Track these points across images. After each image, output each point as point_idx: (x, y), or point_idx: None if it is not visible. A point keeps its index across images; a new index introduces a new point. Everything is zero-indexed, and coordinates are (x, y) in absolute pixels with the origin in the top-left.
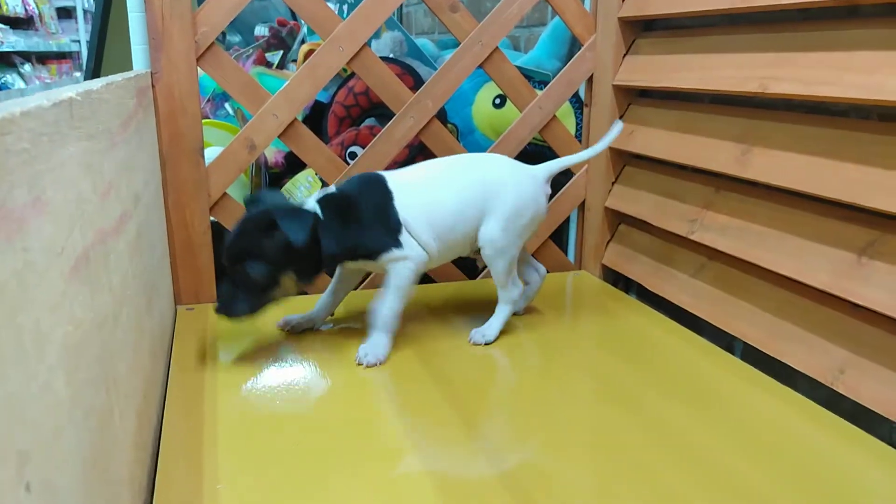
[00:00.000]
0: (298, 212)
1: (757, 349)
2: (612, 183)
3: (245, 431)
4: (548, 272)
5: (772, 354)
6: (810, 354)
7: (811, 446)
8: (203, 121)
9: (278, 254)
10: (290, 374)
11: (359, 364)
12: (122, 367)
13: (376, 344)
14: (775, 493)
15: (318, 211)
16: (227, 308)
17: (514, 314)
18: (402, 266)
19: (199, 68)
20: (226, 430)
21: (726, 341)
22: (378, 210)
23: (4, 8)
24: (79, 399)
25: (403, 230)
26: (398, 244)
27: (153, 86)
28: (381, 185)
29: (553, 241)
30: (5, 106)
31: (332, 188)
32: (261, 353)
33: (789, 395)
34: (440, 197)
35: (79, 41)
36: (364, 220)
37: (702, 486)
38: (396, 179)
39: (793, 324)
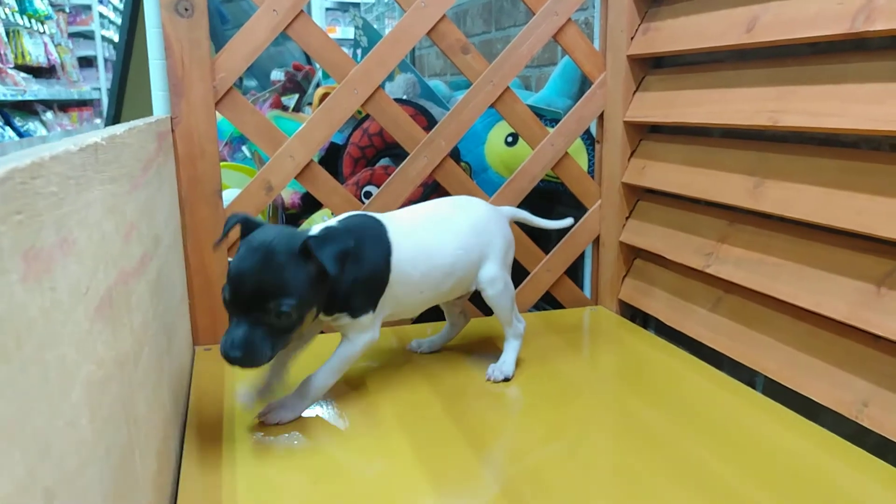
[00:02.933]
0: (333, 238)
1: (779, 384)
2: (626, 218)
3: (263, 474)
4: (564, 308)
5: (793, 388)
6: (832, 387)
7: (836, 481)
8: (221, 163)
9: (311, 287)
10: (308, 415)
11: (258, 419)
12: (142, 406)
13: (287, 405)
14: None
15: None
16: (252, 356)
17: (432, 352)
18: (361, 337)
19: (217, 112)
20: (244, 472)
21: (747, 376)
22: (375, 262)
23: (28, 58)
24: (101, 437)
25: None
26: (374, 307)
27: (173, 130)
28: (381, 232)
29: (569, 277)
30: (35, 151)
31: (332, 222)
32: (278, 394)
33: (813, 429)
34: (439, 242)
35: (99, 89)
36: (364, 268)
37: None
38: (394, 226)
39: (813, 356)
